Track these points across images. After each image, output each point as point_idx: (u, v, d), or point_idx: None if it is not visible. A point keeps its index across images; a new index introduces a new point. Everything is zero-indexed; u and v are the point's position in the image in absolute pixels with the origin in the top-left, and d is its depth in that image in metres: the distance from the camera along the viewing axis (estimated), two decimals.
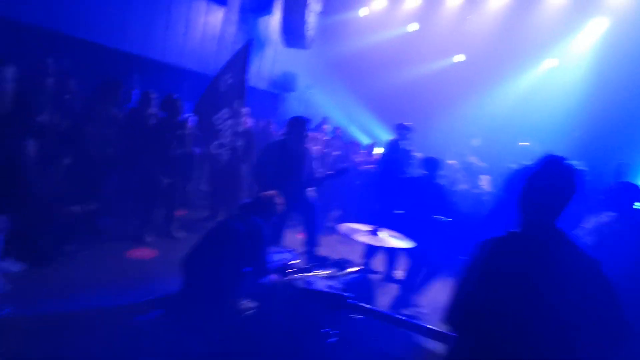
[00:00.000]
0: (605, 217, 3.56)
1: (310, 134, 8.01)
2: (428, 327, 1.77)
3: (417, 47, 10.58)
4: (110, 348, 2.77)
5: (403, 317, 1.74)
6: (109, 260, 4.03)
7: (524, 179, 1.55)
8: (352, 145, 8.19)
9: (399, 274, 5.22)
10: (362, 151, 7.83)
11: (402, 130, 5.26)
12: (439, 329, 1.82)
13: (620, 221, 3.39)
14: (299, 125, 4.17)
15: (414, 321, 1.68)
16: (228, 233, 2.79)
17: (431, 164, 4.43)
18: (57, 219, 3.70)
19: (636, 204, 3.66)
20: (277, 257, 3.36)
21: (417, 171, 5.01)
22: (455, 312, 1.53)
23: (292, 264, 3.22)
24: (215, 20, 9.11)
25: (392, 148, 5.28)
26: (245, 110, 5.52)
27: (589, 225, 3.69)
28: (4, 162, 2.33)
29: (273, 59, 10.98)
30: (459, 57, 10.51)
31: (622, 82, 6.71)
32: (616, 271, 3.17)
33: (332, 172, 4.25)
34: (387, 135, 8.80)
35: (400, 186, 4.54)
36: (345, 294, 1.63)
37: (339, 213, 7.79)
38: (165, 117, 4.73)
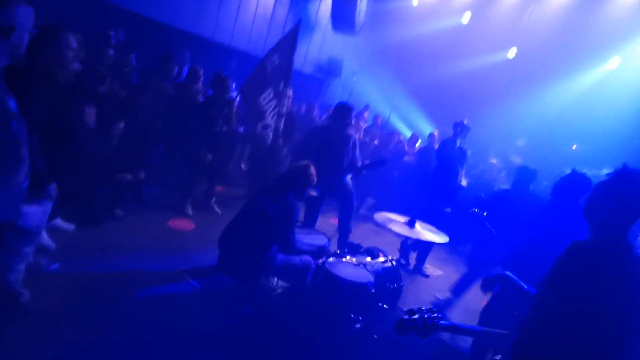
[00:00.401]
0: None
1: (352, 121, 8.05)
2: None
3: (469, 39, 10.17)
4: (146, 313, 2.94)
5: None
6: (152, 227, 4.26)
7: (594, 189, 1.49)
8: (391, 135, 8.06)
9: (429, 269, 5.21)
10: (402, 142, 7.71)
11: (460, 128, 5.12)
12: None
13: None
14: (344, 112, 4.17)
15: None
16: (256, 213, 2.82)
17: (526, 174, 4.04)
18: (108, 184, 3.94)
19: None
20: (310, 239, 3.43)
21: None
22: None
23: (324, 247, 3.27)
24: (267, 1, 9.17)
25: (448, 145, 5.17)
26: (289, 92, 5.57)
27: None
28: (64, 126, 2.49)
29: (321, 43, 10.94)
30: (512, 52, 10.01)
31: None
32: None
33: (371, 162, 4.23)
34: (429, 128, 8.60)
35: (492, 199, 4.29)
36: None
37: (373, 202, 7.78)
38: (213, 94, 4.86)
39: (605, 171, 4.81)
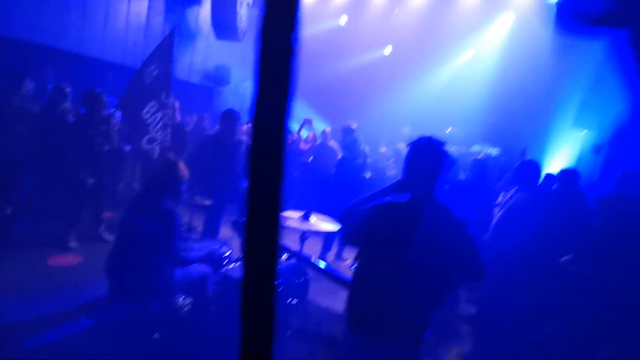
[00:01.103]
0: (512, 192, 3.97)
1: (245, 127, 8.03)
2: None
3: (349, 39, 10.85)
4: None
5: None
6: (29, 268, 3.74)
7: (407, 156, 1.77)
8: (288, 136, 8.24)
9: (332, 257, 5.47)
10: (297, 142, 7.91)
11: (347, 132, 5.61)
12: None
13: (525, 195, 3.81)
14: (230, 118, 4.20)
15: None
16: (132, 233, 2.59)
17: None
18: None
19: (540, 179, 4.15)
20: (210, 248, 3.36)
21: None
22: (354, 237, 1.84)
23: (225, 254, 3.24)
24: (139, 9, 8.64)
25: (345, 148, 5.69)
26: (175, 103, 5.36)
27: (501, 200, 4.11)
28: None
29: (205, 51, 10.67)
30: (387, 50, 10.94)
31: (528, 71, 7.47)
32: (520, 238, 3.60)
33: None
34: (323, 126, 8.95)
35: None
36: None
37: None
38: (87, 112, 4.45)
39: (476, 148, 5.60)
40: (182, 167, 2.74)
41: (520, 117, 7.55)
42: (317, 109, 11.19)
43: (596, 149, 5.41)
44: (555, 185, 4.14)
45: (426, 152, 1.76)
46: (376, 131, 10.87)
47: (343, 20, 10.75)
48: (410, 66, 10.88)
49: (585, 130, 5.82)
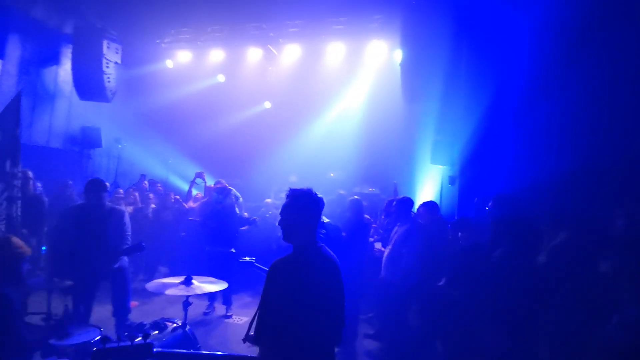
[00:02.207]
0: (396, 229, 4.34)
1: (123, 192, 7.41)
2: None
3: (227, 96, 11.06)
4: None
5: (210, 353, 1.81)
6: None
7: (282, 211, 1.84)
8: (165, 196, 7.82)
9: (235, 318, 5.26)
10: (179, 201, 7.56)
11: (222, 191, 5.89)
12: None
13: (405, 228, 4.20)
14: (96, 187, 3.83)
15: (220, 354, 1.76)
16: None
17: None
18: None
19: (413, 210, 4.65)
20: (79, 336, 2.90)
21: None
22: (260, 330, 1.67)
23: (95, 341, 2.82)
24: None
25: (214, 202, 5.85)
26: (27, 172, 4.72)
27: (395, 234, 4.42)
28: None
29: (67, 113, 9.75)
30: (267, 104, 11.43)
31: (389, 118, 8.53)
32: (409, 264, 3.92)
33: (128, 248, 3.91)
34: (211, 182, 8.73)
35: None
36: (151, 342, 1.52)
37: (167, 270, 7.25)
38: None
39: (357, 189, 6.07)
40: (19, 244, 2.37)
41: (388, 158, 8.47)
42: (205, 166, 10.94)
43: (451, 180, 6.28)
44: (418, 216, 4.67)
45: (301, 202, 1.84)
46: (265, 182, 11.02)
47: (220, 78, 10.97)
48: (290, 119, 11.47)
49: (442, 166, 6.73)
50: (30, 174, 5.19)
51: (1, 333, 2.12)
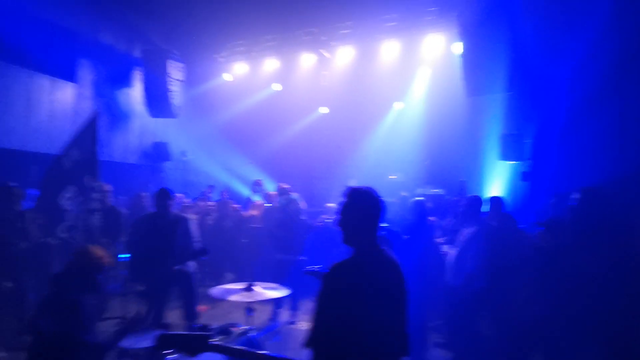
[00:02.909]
0: (466, 228, 4.00)
1: (189, 202, 7.77)
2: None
3: (284, 104, 11.23)
4: None
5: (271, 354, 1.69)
6: None
7: (340, 211, 1.70)
8: (224, 204, 8.04)
9: (301, 324, 5.20)
10: (238, 210, 7.72)
11: (281, 192, 6.02)
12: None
13: (475, 229, 3.85)
14: (160, 197, 4.03)
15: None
16: (38, 339, 2.25)
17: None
18: None
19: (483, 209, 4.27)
20: (150, 340, 3.00)
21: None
22: (316, 335, 1.53)
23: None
24: (64, 96, 8.44)
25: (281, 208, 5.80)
26: (104, 186, 5.07)
27: (461, 236, 4.08)
28: None
29: (140, 130, 10.52)
30: (323, 110, 11.42)
31: (451, 114, 8.06)
32: (476, 269, 3.59)
33: (193, 253, 4.03)
34: (271, 189, 8.88)
35: None
36: (207, 334, 1.53)
37: (233, 276, 7.45)
38: None
39: (420, 191, 5.79)
40: (99, 254, 2.47)
41: (452, 156, 8.00)
42: (266, 173, 11.19)
43: (524, 176, 5.77)
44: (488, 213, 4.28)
45: (360, 201, 1.69)
46: (326, 187, 11.00)
47: (277, 86, 11.18)
48: (347, 123, 11.38)
49: (512, 162, 6.23)
50: (108, 187, 5.60)
51: (72, 337, 2.22)
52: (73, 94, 8.63)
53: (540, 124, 5.49)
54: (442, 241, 4.70)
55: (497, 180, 7.16)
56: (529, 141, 5.98)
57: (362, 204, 1.67)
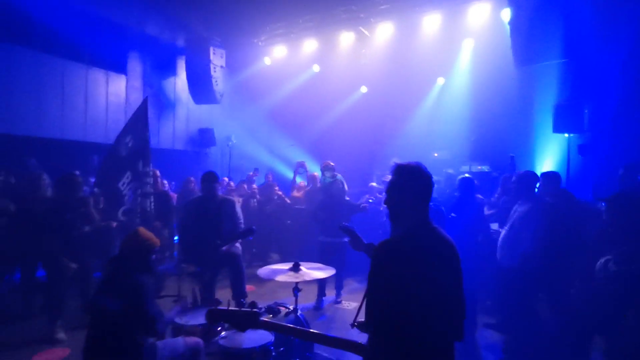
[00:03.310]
0: (519, 206, 3.77)
1: (234, 185, 8.00)
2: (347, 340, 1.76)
3: (325, 85, 11.14)
4: None
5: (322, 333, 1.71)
6: None
7: (387, 189, 1.64)
8: (268, 187, 8.16)
9: (344, 304, 5.28)
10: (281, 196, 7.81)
11: (326, 169, 5.87)
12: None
13: (530, 206, 3.62)
14: (207, 180, 4.17)
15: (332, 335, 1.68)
16: (102, 317, 2.40)
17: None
18: None
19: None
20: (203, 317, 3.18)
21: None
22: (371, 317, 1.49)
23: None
24: (117, 88, 8.91)
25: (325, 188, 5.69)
26: (154, 171, 5.32)
27: (490, 212, 3.92)
28: None
29: (186, 117, 10.91)
30: (363, 89, 11.22)
31: (498, 87, 7.59)
32: (530, 249, 3.41)
33: (239, 233, 4.14)
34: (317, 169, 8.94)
35: None
36: (257, 310, 1.58)
37: (278, 257, 7.66)
38: (62, 195, 4.38)
39: (465, 168, 5.55)
40: (147, 235, 2.61)
41: (500, 131, 7.58)
42: (309, 155, 11.27)
43: (581, 149, 5.37)
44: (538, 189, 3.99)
45: (409, 178, 1.61)
46: (367, 167, 10.90)
47: (316, 68, 11.09)
48: (388, 101, 11.11)
49: (568, 134, 5.80)
50: (158, 172, 5.89)
51: (136, 314, 2.39)
52: (124, 86, 9.08)
53: (598, 93, 5.04)
54: (491, 219, 4.52)
55: (550, 155, 6.73)
56: (586, 111, 5.52)
57: (411, 181, 1.60)
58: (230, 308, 1.58)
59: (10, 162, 5.54)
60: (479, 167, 7.75)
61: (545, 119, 6.29)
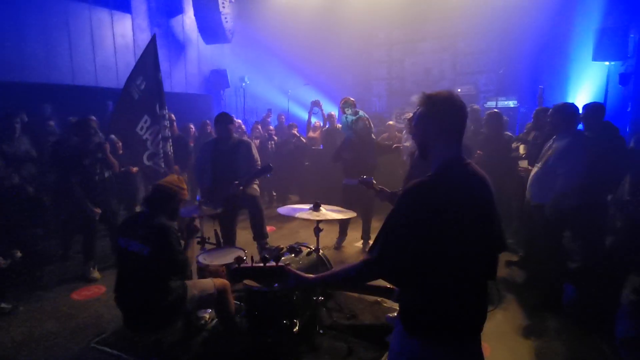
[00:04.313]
0: (554, 141, 3.47)
1: (245, 129, 7.85)
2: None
3: (338, 17, 10.47)
4: None
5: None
6: (52, 309, 3.69)
7: (416, 122, 1.47)
8: (287, 128, 7.97)
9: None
10: (297, 136, 7.62)
11: (347, 105, 5.35)
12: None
13: (568, 141, 3.35)
14: (220, 121, 4.04)
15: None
16: (132, 261, 2.42)
17: None
18: None
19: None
20: (226, 257, 3.22)
21: None
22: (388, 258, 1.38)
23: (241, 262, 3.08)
24: (123, 30, 8.54)
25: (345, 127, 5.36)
26: (170, 115, 5.20)
27: (549, 150, 3.60)
28: None
29: (197, 59, 10.54)
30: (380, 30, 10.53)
31: (525, 11, 6.90)
32: (566, 186, 3.23)
33: (256, 171, 4.04)
34: (331, 109, 8.69)
35: None
36: (283, 265, 1.51)
37: (297, 198, 7.69)
38: (80, 142, 4.34)
39: (491, 104, 5.13)
40: (180, 186, 2.60)
41: (530, 60, 7.02)
42: (323, 93, 10.91)
43: (623, 79, 4.93)
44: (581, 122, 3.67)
45: (440, 108, 1.42)
46: (385, 106, 10.52)
47: None
48: (404, 31, 10.42)
49: (608, 62, 5.32)
50: (173, 116, 5.78)
51: (165, 259, 2.41)
52: (130, 26, 8.70)
53: None
54: (522, 156, 4.28)
55: (585, 86, 6.25)
56: (632, 36, 4.99)
57: (443, 110, 1.41)
58: (254, 265, 1.48)
59: (26, 109, 5.48)
60: (506, 102, 7.33)
61: (582, 46, 5.76)
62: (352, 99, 5.37)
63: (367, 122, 4.83)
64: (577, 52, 6.26)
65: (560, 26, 6.58)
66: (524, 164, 4.09)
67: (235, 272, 1.48)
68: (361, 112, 5.11)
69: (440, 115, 1.41)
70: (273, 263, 1.46)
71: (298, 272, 1.49)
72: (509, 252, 4.69)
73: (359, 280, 1.46)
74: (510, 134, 4.90)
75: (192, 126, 7.31)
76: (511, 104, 7.55)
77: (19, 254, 3.48)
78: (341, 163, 5.00)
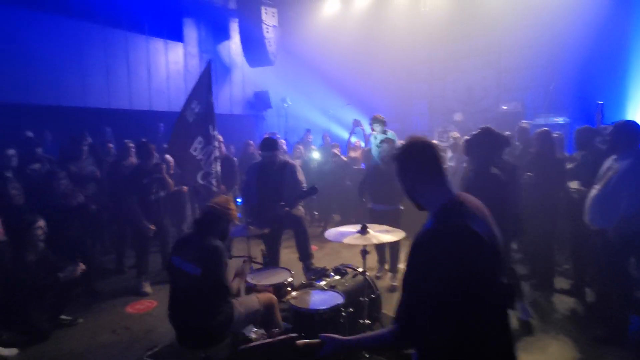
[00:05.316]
0: (614, 161, 3.26)
1: (294, 146, 7.99)
2: None
3: (378, 40, 10.59)
4: None
5: None
6: (108, 321, 3.90)
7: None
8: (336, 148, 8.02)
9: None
10: (337, 155, 7.64)
11: (377, 121, 5.32)
12: None
13: (630, 162, 3.13)
14: (268, 144, 4.17)
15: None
16: (183, 280, 2.52)
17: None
18: (43, 291, 3.55)
19: None
20: (274, 277, 3.27)
21: None
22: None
23: (288, 283, 3.11)
24: (175, 56, 9.12)
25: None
26: (218, 135, 5.43)
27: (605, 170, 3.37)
28: None
29: (242, 81, 10.99)
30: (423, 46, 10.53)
31: (579, 21, 6.61)
32: (631, 210, 3.00)
33: (302, 193, 4.09)
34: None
35: None
36: (294, 335, 1.45)
37: (340, 218, 7.69)
38: (140, 162, 4.68)
39: (540, 121, 4.88)
40: (231, 207, 2.69)
41: (584, 75, 6.68)
42: (367, 115, 10.95)
43: None
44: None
45: (407, 158, 1.44)
46: (427, 124, 10.39)
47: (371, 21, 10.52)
48: (448, 50, 10.32)
49: None
50: (221, 137, 6.02)
51: (213, 280, 2.50)
52: (182, 53, 9.27)
53: None
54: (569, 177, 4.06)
55: None
56: None
57: (418, 157, 1.40)
58: (262, 342, 1.45)
59: (90, 132, 5.95)
60: (556, 119, 7.02)
61: None
62: (381, 116, 5.27)
63: (393, 144, 4.58)
64: (637, 63, 5.93)
65: (616, 35, 6.24)
66: (574, 184, 3.88)
67: (242, 353, 1.43)
68: (390, 133, 4.97)
69: (416, 162, 1.41)
70: (283, 335, 1.41)
71: (332, 336, 1.44)
72: (563, 277, 4.43)
73: (392, 349, 1.45)
74: (565, 153, 4.67)
75: (232, 147, 7.57)
76: (561, 120, 7.23)
77: (82, 267, 3.71)
78: (367, 187, 4.72)
